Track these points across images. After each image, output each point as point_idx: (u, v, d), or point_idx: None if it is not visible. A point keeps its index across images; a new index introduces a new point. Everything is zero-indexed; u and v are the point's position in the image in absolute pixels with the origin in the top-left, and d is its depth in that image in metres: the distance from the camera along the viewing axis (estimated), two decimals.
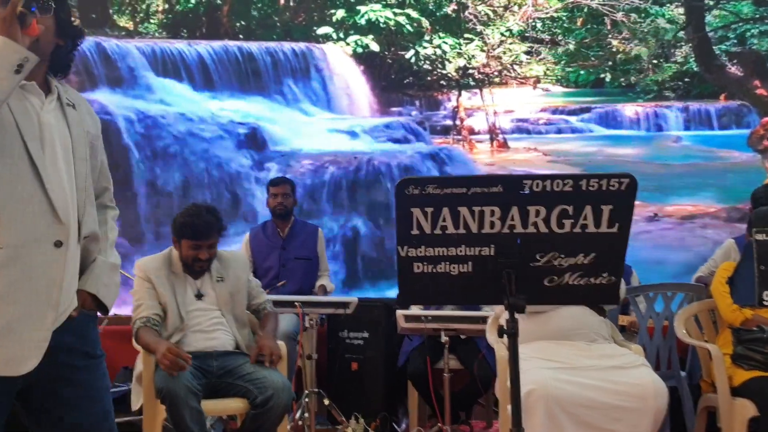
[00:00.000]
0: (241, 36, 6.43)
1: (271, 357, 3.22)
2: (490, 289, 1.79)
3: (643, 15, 6.27)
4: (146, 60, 6.23)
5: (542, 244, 1.74)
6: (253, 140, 6.20)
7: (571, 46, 6.39)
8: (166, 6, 6.46)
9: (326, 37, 6.36)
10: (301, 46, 6.38)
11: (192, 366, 3.02)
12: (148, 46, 6.29)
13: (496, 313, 3.45)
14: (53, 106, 1.87)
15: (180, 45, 6.30)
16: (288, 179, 4.94)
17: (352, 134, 6.35)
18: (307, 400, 3.91)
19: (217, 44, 6.34)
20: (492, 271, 1.76)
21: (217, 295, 3.39)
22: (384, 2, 6.33)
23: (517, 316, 3.03)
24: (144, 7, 6.50)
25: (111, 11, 6.44)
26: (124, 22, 6.47)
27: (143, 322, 3.21)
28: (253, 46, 6.36)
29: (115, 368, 4.48)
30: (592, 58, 6.40)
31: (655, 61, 6.30)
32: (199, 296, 3.38)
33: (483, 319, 3.75)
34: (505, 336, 1.75)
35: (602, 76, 6.38)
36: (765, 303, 1.81)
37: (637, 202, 5.79)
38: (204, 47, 6.32)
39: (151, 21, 6.47)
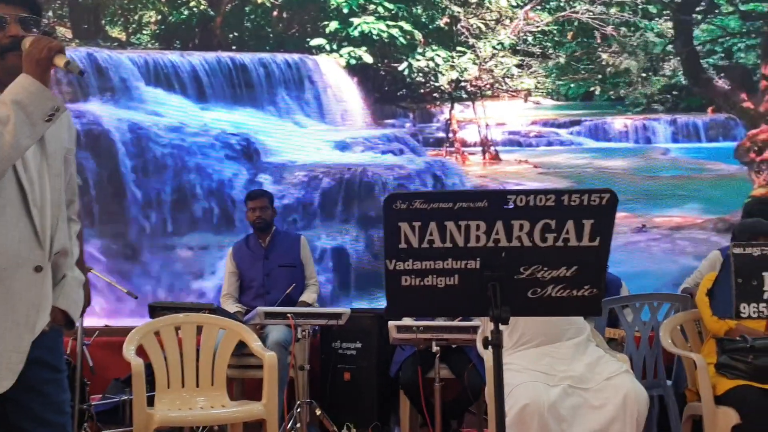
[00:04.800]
0: (234, 47, 6.48)
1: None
2: (475, 301, 1.83)
3: (632, 29, 6.35)
4: (138, 71, 6.26)
5: (526, 257, 1.78)
6: (246, 152, 6.23)
7: (562, 60, 6.46)
8: (159, 17, 6.49)
9: (319, 49, 6.41)
10: (294, 57, 6.43)
11: None
12: (141, 57, 6.33)
13: (485, 324, 3.50)
14: None
15: (172, 56, 6.34)
16: (266, 192, 5.00)
17: (346, 146, 6.39)
18: (299, 410, 3.94)
19: (210, 55, 6.37)
20: (477, 284, 1.81)
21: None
22: (377, 14, 6.39)
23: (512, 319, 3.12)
24: (136, 18, 6.53)
25: (103, 22, 6.47)
26: (116, 33, 6.50)
27: None
28: (246, 58, 6.40)
29: (107, 379, 4.50)
30: (582, 72, 6.47)
31: (644, 75, 6.38)
32: None
33: (473, 329, 3.80)
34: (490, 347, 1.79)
35: (592, 89, 6.45)
36: (742, 315, 1.86)
37: (625, 214, 5.86)
38: (197, 58, 6.35)
39: (144, 32, 6.51)
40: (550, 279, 1.80)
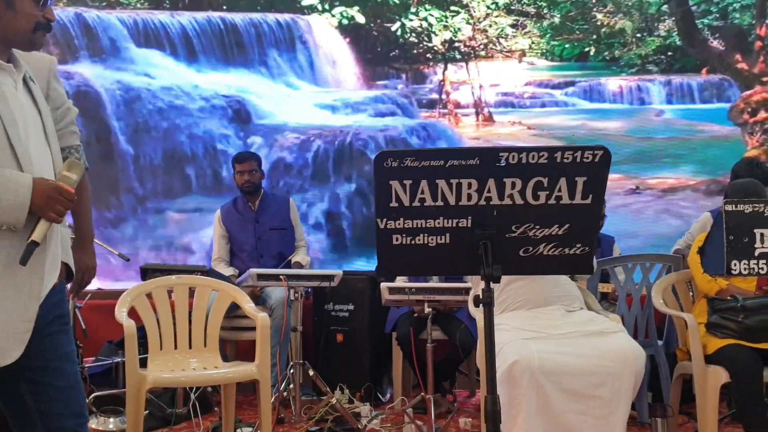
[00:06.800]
0: (224, 7, 6.37)
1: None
2: (467, 260, 1.83)
3: None
4: (128, 31, 6.17)
5: (518, 215, 1.77)
6: (238, 113, 6.18)
7: (557, 20, 6.39)
8: None
9: (311, 9, 6.32)
10: (285, 17, 6.34)
11: None
12: (130, 17, 6.22)
13: (477, 284, 3.50)
14: (21, 84, 1.84)
15: (162, 16, 6.24)
16: (253, 154, 4.95)
17: (338, 108, 6.34)
18: (292, 371, 3.96)
19: (200, 15, 6.27)
20: (469, 243, 1.80)
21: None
22: None
23: (504, 283, 3.11)
24: None
25: None
26: None
27: None
28: (237, 18, 6.30)
29: (99, 342, 4.50)
30: (577, 32, 6.40)
31: (638, 35, 6.31)
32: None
33: (466, 291, 3.80)
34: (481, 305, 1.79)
35: (587, 49, 6.38)
36: (733, 272, 1.86)
37: (618, 175, 5.83)
38: (187, 18, 6.25)
39: None
40: (542, 237, 1.79)
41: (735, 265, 1.86)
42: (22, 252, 1.68)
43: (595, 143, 5.53)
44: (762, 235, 1.84)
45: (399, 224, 1.82)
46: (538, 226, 1.78)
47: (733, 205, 1.86)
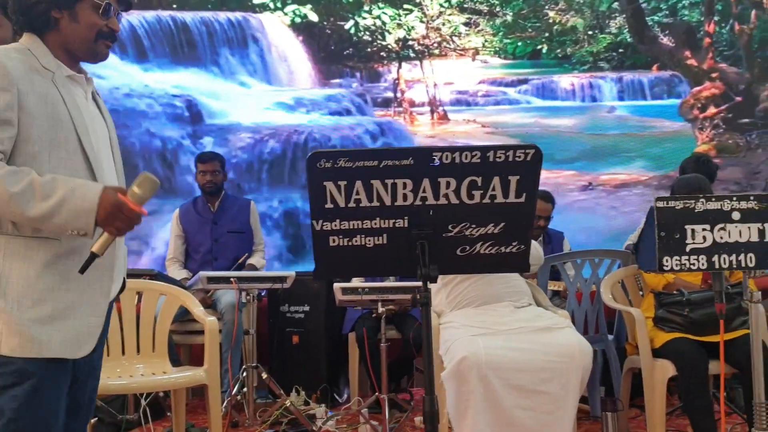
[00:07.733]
0: (174, 6, 6.28)
1: None
2: (404, 261, 1.81)
3: None
4: None
5: (453, 214, 1.77)
6: (189, 113, 6.08)
7: (509, 18, 6.42)
8: None
9: (263, 7, 6.26)
10: (237, 15, 6.27)
11: None
12: None
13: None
14: (90, 96, 1.92)
15: None
16: (217, 155, 4.87)
17: (292, 107, 6.29)
18: (245, 374, 3.91)
19: (149, 14, 6.17)
20: (406, 243, 1.79)
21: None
22: None
23: (455, 282, 3.11)
24: None
25: None
26: None
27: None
28: (187, 16, 6.21)
29: None
30: (530, 30, 6.45)
31: (590, 32, 6.38)
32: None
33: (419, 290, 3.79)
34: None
35: (539, 47, 6.43)
36: (665, 268, 1.87)
37: (571, 172, 5.86)
38: (136, 17, 6.14)
39: None
40: (478, 236, 1.78)
41: (667, 261, 1.87)
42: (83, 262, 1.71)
43: (549, 141, 5.54)
44: (693, 230, 1.85)
45: (335, 225, 1.80)
46: (474, 225, 1.77)
47: (664, 202, 1.87)
